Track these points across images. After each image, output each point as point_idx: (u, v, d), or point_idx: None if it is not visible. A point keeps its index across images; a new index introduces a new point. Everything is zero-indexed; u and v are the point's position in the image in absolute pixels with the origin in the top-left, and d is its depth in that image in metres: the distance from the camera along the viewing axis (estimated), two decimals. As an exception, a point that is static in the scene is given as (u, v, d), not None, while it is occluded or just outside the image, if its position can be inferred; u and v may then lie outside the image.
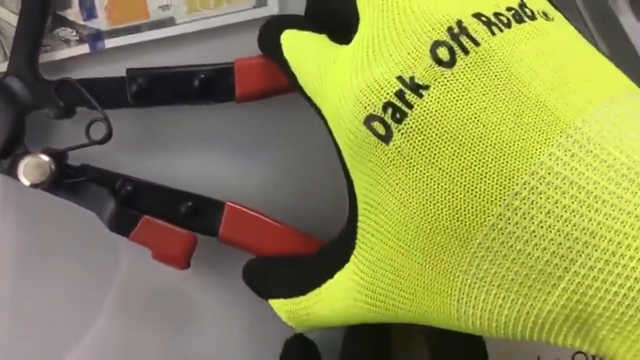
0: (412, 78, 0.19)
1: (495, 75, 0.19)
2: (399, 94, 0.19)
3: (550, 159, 0.17)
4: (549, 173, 0.17)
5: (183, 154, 0.33)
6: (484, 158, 0.18)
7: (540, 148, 0.17)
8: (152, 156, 0.33)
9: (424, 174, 0.19)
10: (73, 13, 0.33)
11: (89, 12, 0.33)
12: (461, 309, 0.19)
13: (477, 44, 0.19)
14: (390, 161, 0.19)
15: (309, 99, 0.24)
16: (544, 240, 0.17)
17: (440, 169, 0.18)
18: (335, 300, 0.24)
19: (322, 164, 0.31)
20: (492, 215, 0.17)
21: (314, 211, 0.32)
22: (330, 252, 0.25)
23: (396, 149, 0.19)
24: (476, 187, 0.18)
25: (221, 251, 0.30)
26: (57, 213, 0.32)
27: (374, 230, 0.21)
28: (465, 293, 0.19)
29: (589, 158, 0.17)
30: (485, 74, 0.19)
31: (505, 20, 0.20)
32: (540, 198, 0.17)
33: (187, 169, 0.33)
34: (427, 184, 0.19)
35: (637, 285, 0.16)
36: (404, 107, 0.19)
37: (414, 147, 0.19)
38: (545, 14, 0.21)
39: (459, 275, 0.19)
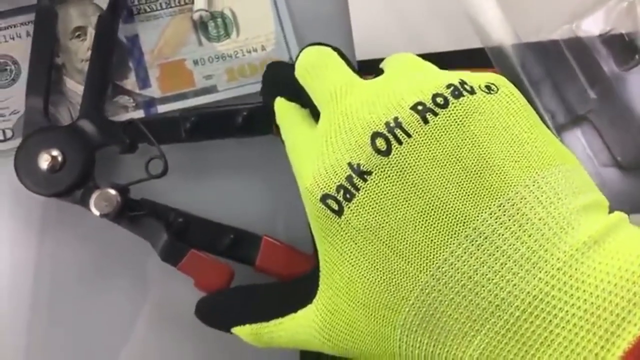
0: (358, 165, 0.22)
1: (411, 176, 0.22)
2: (349, 178, 0.22)
3: (467, 240, 0.21)
4: (465, 252, 0.20)
5: (225, 181, 0.37)
6: (414, 235, 0.21)
7: (450, 240, 0.21)
8: (200, 184, 0.36)
9: (369, 242, 0.22)
10: (130, 83, 0.37)
11: (144, 82, 0.37)
12: (402, 354, 0.22)
13: (409, 135, 0.22)
14: (343, 230, 0.23)
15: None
16: (460, 306, 0.20)
17: (381, 239, 0.22)
18: (297, 332, 0.26)
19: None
20: (421, 281, 0.21)
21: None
22: (296, 290, 0.27)
23: (347, 221, 0.23)
24: (408, 258, 0.21)
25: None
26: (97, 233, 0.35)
27: (331, 283, 0.24)
28: (404, 342, 0.22)
29: (492, 248, 0.20)
30: (408, 168, 0.22)
31: (442, 102, 0.22)
32: (457, 272, 0.20)
33: (228, 191, 0.36)
34: (371, 251, 0.22)
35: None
36: (352, 190, 0.22)
37: (360, 221, 0.22)
38: (488, 87, 0.23)
39: (397, 328, 0.22)
